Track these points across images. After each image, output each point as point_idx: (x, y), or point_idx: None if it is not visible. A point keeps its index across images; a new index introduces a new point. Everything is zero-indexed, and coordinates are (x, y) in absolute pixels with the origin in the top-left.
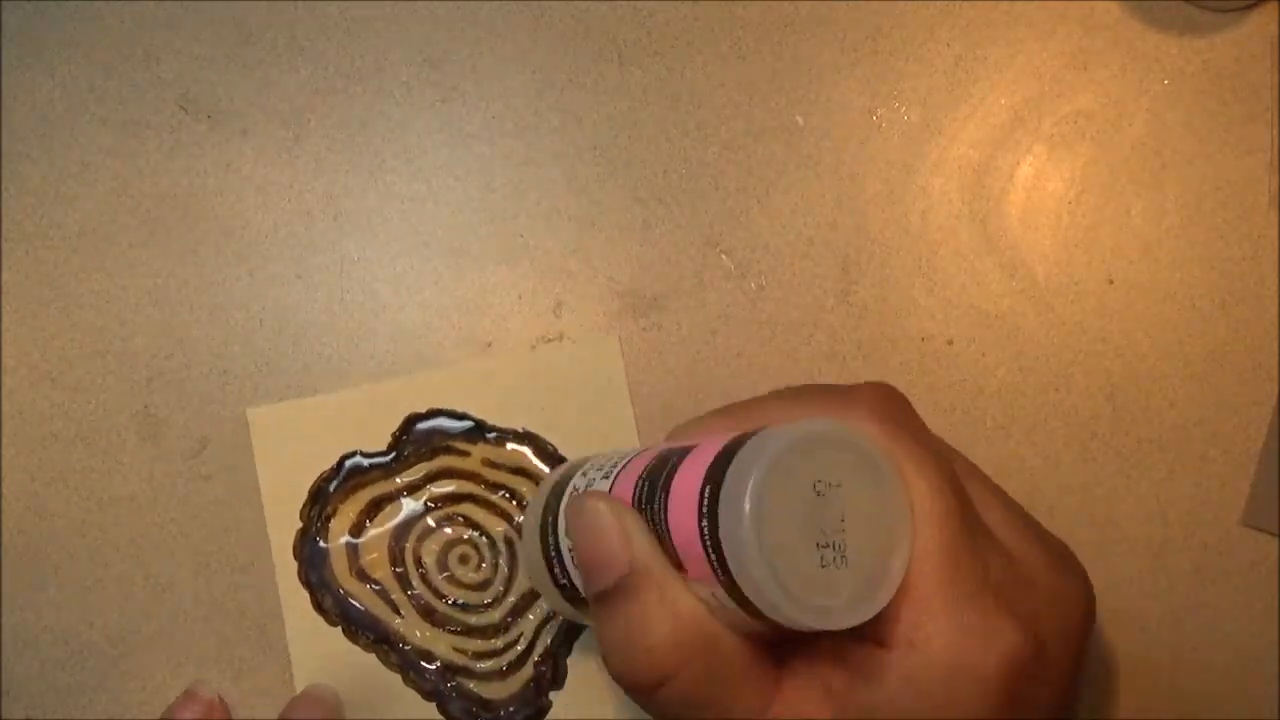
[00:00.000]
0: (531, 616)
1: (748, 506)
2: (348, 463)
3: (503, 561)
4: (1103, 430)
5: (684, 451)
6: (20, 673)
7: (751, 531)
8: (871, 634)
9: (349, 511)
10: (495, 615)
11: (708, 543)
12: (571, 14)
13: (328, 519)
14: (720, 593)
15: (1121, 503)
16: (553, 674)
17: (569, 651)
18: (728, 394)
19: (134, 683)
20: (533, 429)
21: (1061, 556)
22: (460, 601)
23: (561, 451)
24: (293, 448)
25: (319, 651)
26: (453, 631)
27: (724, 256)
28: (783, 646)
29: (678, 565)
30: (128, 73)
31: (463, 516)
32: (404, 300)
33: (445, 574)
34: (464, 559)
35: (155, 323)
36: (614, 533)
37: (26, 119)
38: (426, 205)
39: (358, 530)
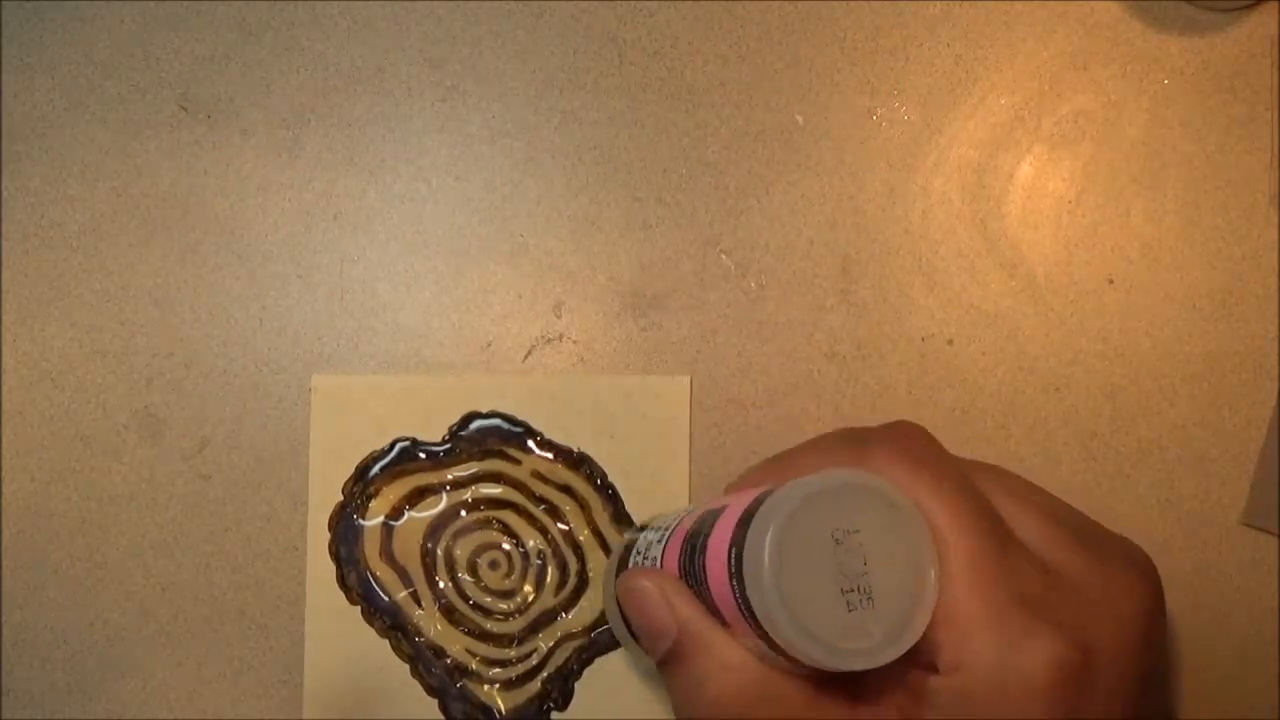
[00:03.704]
0: (549, 634)
1: (766, 565)
2: (399, 446)
3: (531, 575)
4: (1103, 430)
5: (717, 513)
6: (20, 673)
7: (771, 588)
8: (926, 661)
9: (391, 495)
10: (514, 626)
11: (740, 602)
12: (571, 14)
13: (369, 498)
14: (762, 644)
15: (1121, 503)
16: (560, 695)
17: (579, 676)
18: (728, 395)
19: (134, 683)
20: (588, 452)
21: (1109, 557)
22: (482, 605)
23: (611, 479)
24: (349, 420)
25: (334, 627)
26: (469, 633)
27: (724, 256)
28: (859, 677)
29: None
30: (128, 73)
31: (501, 523)
32: (404, 300)
33: (473, 575)
34: (494, 564)
35: (155, 323)
36: (658, 604)
37: (26, 119)
38: (426, 205)
39: (396, 514)
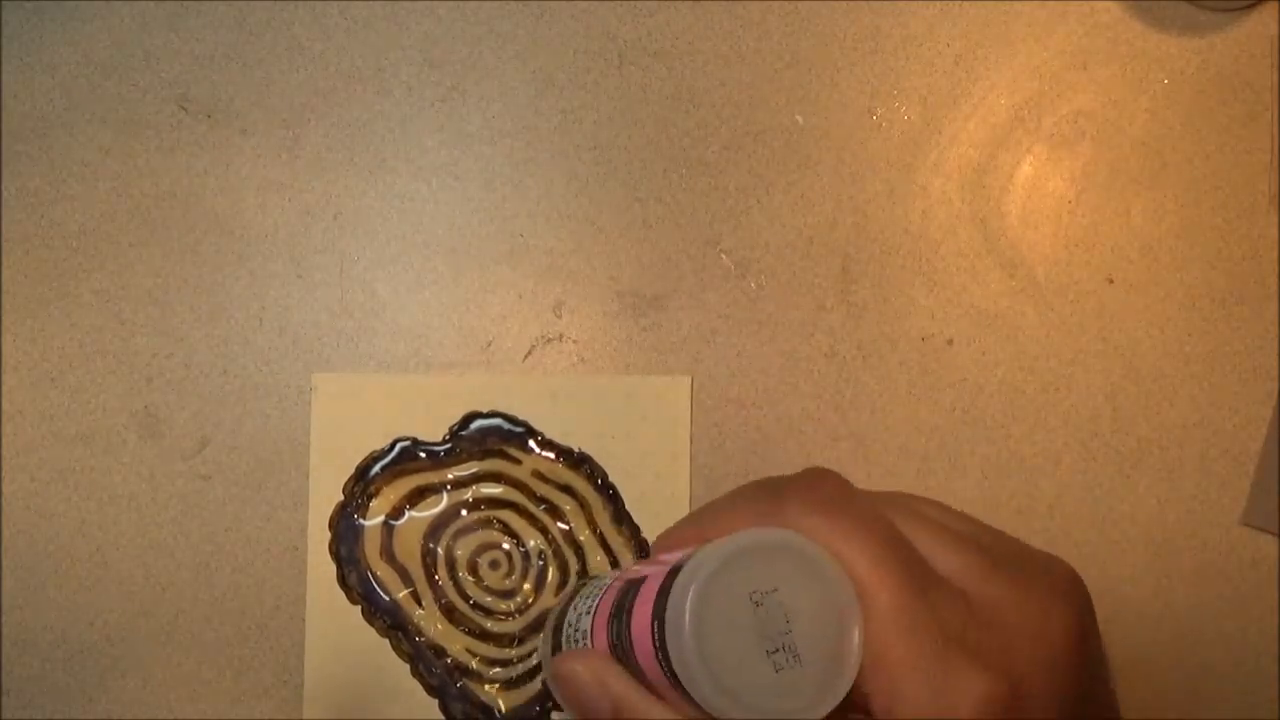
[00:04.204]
0: None
1: (687, 635)
2: (400, 446)
3: (532, 575)
4: (1103, 430)
5: (639, 583)
6: (20, 673)
7: (694, 657)
8: (861, 707)
9: (391, 494)
10: (514, 626)
11: (667, 672)
12: (571, 14)
13: (369, 497)
14: (695, 711)
15: (1121, 503)
16: None
17: None
18: (728, 395)
19: (134, 683)
20: (589, 452)
21: (1031, 582)
22: (483, 605)
23: (612, 479)
24: (350, 420)
25: (334, 626)
26: (469, 633)
27: (724, 256)
28: None
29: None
30: (128, 73)
31: (501, 522)
32: (404, 300)
33: (473, 575)
34: (494, 564)
35: (155, 323)
36: (591, 686)
37: (26, 119)
38: (426, 205)
39: (397, 514)
